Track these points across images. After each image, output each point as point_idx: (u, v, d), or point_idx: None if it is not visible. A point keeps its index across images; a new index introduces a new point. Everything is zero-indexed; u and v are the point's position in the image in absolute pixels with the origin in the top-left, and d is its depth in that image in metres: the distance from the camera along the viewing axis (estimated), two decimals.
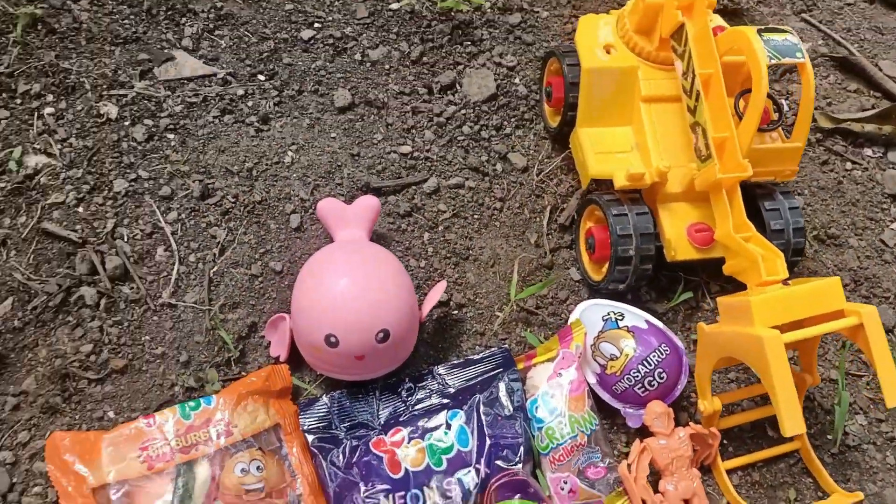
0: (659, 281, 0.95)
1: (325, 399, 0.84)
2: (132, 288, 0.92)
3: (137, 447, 0.75)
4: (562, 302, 0.95)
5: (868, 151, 1.10)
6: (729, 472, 0.85)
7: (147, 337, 0.89)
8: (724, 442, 0.87)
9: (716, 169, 0.83)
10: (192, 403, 0.79)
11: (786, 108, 1.09)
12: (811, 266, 0.99)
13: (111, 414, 0.85)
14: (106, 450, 0.74)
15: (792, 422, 0.67)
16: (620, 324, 0.85)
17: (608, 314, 0.86)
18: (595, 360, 0.84)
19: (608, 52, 0.95)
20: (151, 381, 0.87)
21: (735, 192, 0.84)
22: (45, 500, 0.80)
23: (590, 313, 0.88)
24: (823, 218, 1.03)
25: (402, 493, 0.78)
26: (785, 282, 0.77)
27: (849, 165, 1.08)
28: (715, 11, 1.18)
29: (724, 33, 0.88)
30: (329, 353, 0.79)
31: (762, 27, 0.86)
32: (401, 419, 0.83)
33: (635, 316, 0.87)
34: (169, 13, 1.12)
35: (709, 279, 0.97)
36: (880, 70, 1.17)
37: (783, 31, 0.87)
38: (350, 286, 0.79)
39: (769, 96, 0.88)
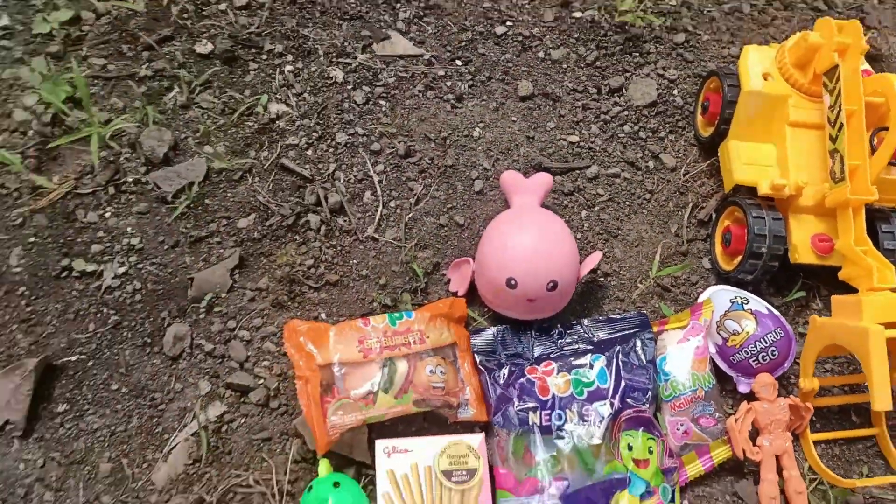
0: (778, 278, 1.09)
1: (492, 330, 1.02)
2: (345, 220, 1.12)
3: (356, 340, 0.94)
4: (692, 284, 1.11)
5: None
6: (815, 443, 0.99)
7: (354, 261, 1.10)
8: (814, 418, 1.01)
9: (847, 190, 0.97)
10: (397, 314, 0.98)
11: None
12: None
13: (323, 316, 1.06)
14: (332, 338, 0.95)
15: (882, 399, 0.82)
16: (745, 307, 1.00)
17: (735, 297, 1.02)
18: (719, 333, 1.00)
19: (765, 79, 1.08)
20: (356, 296, 1.07)
21: (860, 212, 0.98)
22: (270, 373, 1.01)
23: (719, 295, 1.03)
24: None
25: (549, 411, 0.95)
26: (893, 290, 0.91)
27: None
28: None
29: (871, 77, 1.01)
30: (507, 294, 0.97)
31: None
32: (551, 356, 1.01)
33: (758, 302, 1.02)
34: None
35: (820, 284, 1.10)
36: None
37: None
38: (532, 242, 0.96)
39: None
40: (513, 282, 0.95)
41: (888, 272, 0.92)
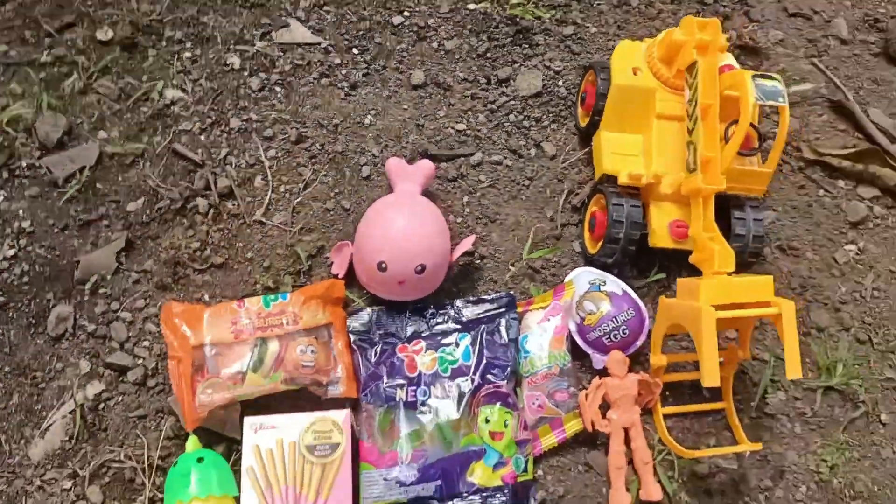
0: (641, 261, 1.10)
1: (368, 311, 1.02)
2: (234, 205, 1.11)
3: (229, 321, 0.94)
4: (562, 266, 1.11)
5: (840, 183, 1.21)
6: (666, 416, 1.00)
7: (240, 244, 1.08)
8: (667, 393, 1.02)
9: (698, 180, 0.97)
10: (272, 296, 0.97)
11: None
12: (769, 269, 1.13)
13: (206, 297, 1.04)
14: (207, 320, 0.94)
15: (710, 375, 0.83)
16: (602, 288, 1.01)
17: (594, 280, 1.03)
18: (578, 313, 1.01)
19: (635, 73, 1.08)
20: (240, 278, 1.06)
21: (709, 201, 0.98)
22: (150, 353, 1.00)
23: (581, 277, 1.04)
24: (789, 232, 1.17)
25: (414, 388, 0.96)
26: (731, 274, 0.92)
27: (821, 192, 1.20)
28: (737, 47, 1.30)
29: (725, 74, 1.01)
30: (379, 276, 0.96)
31: (757, 73, 1.00)
32: (422, 335, 1.01)
33: (615, 284, 1.03)
34: None
35: (680, 267, 1.11)
36: (868, 116, 1.28)
37: (773, 78, 1.00)
38: (402, 227, 0.96)
39: (753, 127, 1.02)
40: (383, 265, 0.95)
41: (729, 258, 0.93)
